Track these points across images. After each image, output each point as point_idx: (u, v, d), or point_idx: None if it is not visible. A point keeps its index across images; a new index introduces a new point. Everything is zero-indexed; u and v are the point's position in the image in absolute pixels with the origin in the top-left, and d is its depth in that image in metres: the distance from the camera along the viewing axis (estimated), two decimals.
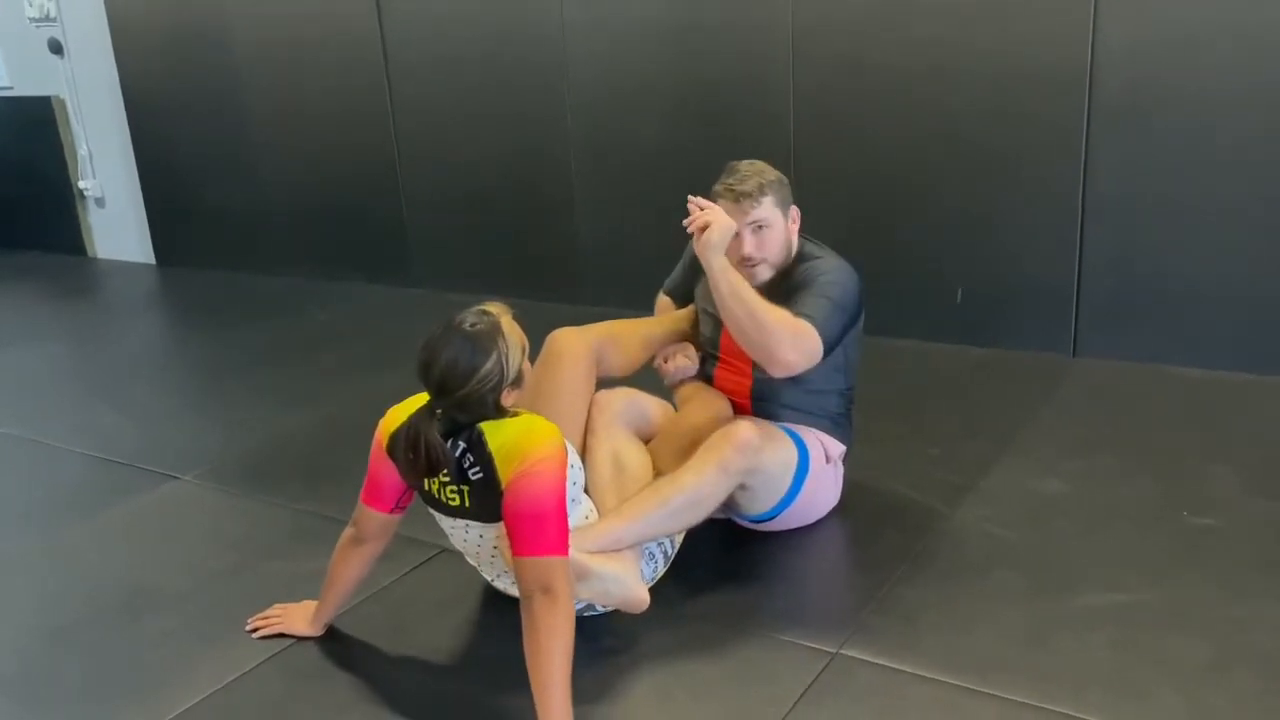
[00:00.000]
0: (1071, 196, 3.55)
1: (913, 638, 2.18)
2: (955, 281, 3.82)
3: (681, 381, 2.70)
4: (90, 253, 6.44)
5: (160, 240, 6.07)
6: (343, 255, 5.36)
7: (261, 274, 5.60)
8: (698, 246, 2.29)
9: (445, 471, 2.00)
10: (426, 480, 2.07)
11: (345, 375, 4.06)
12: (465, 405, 1.97)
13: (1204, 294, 3.45)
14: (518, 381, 2.04)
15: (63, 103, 6.14)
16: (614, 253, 4.54)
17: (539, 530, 1.91)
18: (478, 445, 1.98)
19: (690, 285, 2.74)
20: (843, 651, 2.14)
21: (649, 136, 4.32)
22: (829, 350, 2.35)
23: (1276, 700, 1.93)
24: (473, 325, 1.97)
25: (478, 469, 1.98)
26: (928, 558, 2.48)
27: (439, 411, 1.99)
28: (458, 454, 1.99)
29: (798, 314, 2.32)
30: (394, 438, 2.11)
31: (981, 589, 2.34)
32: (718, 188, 2.45)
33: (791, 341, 2.28)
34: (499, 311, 2.04)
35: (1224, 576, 2.33)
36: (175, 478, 3.22)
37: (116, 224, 6.24)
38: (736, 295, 2.27)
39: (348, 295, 5.15)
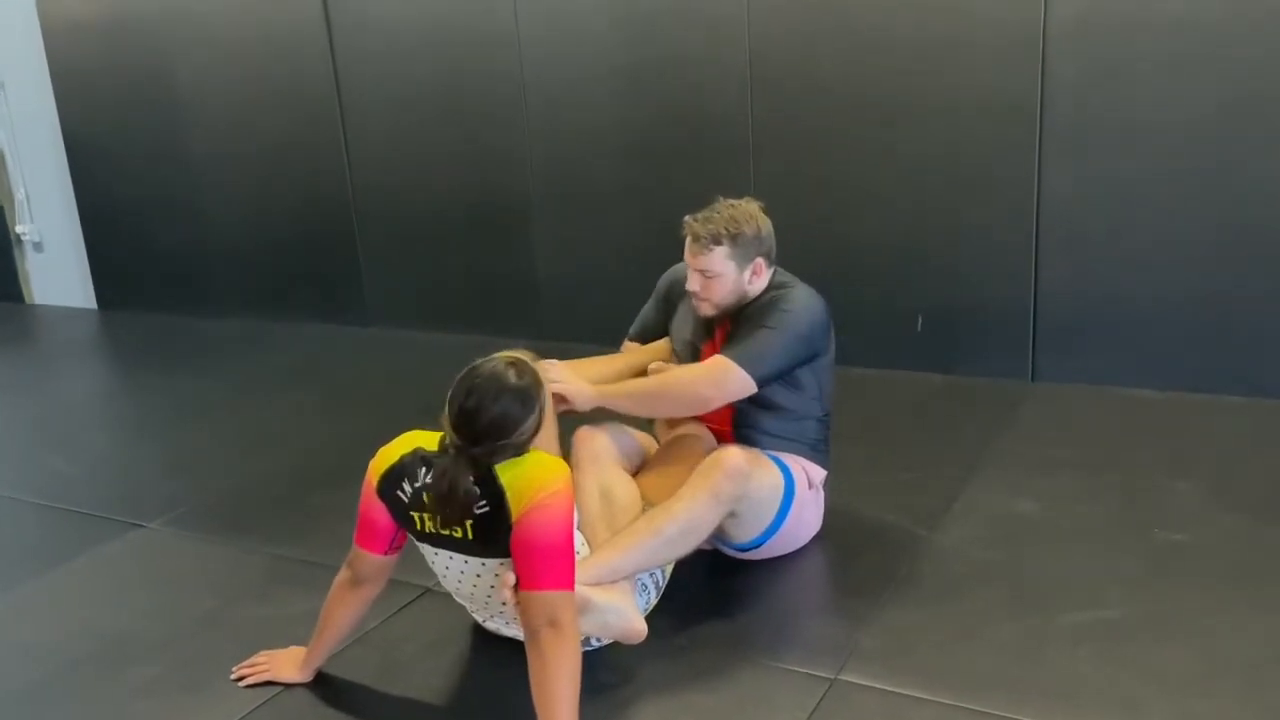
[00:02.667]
0: (1026, 224, 3.66)
1: (907, 659, 2.21)
2: (915, 310, 3.91)
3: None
4: (28, 299, 6.28)
5: (102, 285, 5.94)
6: (293, 296, 5.30)
7: (209, 317, 5.51)
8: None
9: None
10: (421, 516, 2.06)
11: (304, 418, 4.00)
12: (498, 451, 1.98)
13: (1157, 317, 3.57)
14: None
15: None
16: (573, 289, 4.56)
17: (549, 565, 1.91)
18: (488, 480, 1.98)
19: (663, 324, 2.76)
20: (841, 677, 2.16)
21: (608, 172, 4.35)
22: (767, 376, 2.43)
23: (1264, 706, 1.99)
24: (519, 379, 2.00)
25: (484, 503, 1.97)
26: (913, 580, 2.52)
27: (470, 457, 1.98)
28: None
29: (724, 352, 2.43)
30: (386, 479, 2.09)
31: (968, 608, 2.38)
32: (686, 219, 2.50)
33: (702, 387, 2.42)
34: (530, 359, 2.08)
35: (1200, 589, 2.40)
36: (141, 525, 3.14)
37: (56, 269, 6.10)
38: (630, 397, 2.48)
39: (300, 336, 5.09)
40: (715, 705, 2.10)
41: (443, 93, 4.61)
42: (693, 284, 2.50)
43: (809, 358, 2.50)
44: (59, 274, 6.09)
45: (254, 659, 2.34)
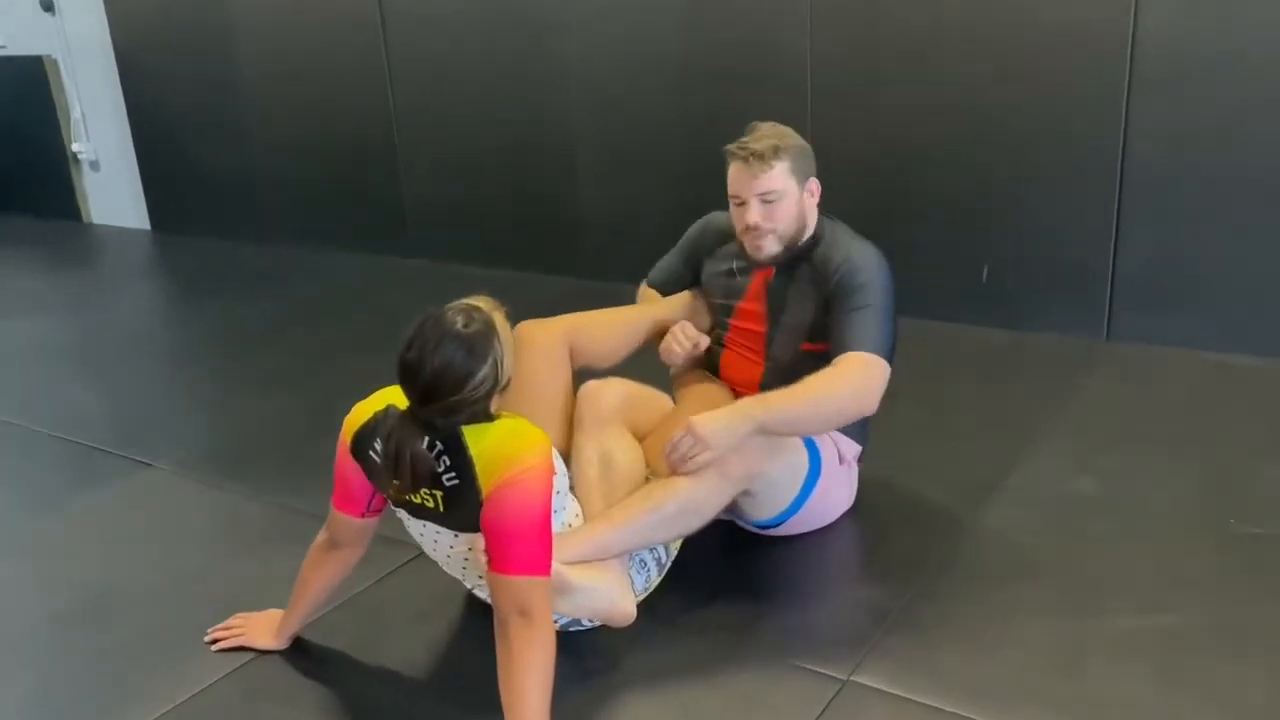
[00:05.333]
0: (1109, 170, 3.30)
1: (931, 663, 1.97)
2: (981, 259, 3.58)
3: (685, 371, 2.49)
4: (86, 218, 6.25)
5: (155, 206, 5.89)
6: (339, 225, 5.16)
7: (257, 243, 5.41)
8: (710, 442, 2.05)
9: None
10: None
11: (337, 354, 3.86)
12: (452, 412, 1.76)
13: (1249, 275, 3.21)
14: (507, 385, 1.84)
15: (55, 62, 5.94)
16: (617, 224, 4.32)
17: (520, 547, 1.72)
18: (456, 449, 1.78)
19: (687, 278, 2.52)
20: (854, 679, 1.94)
21: (655, 104, 4.08)
22: (892, 352, 2.21)
23: None
24: (466, 326, 1.76)
25: (453, 474, 1.78)
26: (948, 568, 2.27)
27: (419, 418, 1.78)
28: (433, 456, 1.79)
29: (850, 347, 2.14)
30: (359, 438, 1.92)
31: (1007, 606, 2.13)
32: (731, 147, 2.25)
33: (864, 390, 2.14)
34: (490, 308, 1.83)
35: (1278, 594, 2.11)
36: (149, 465, 3.04)
37: (111, 189, 6.05)
38: (790, 417, 2.11)
39: (343, 266, 4.95)
40: (707, 702, 1.90)
41: (487, 23, 4.36)
42: (753, 216, 2.23)
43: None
44: (115, 194, 6.04)
45: (229, 621, 2.21)
